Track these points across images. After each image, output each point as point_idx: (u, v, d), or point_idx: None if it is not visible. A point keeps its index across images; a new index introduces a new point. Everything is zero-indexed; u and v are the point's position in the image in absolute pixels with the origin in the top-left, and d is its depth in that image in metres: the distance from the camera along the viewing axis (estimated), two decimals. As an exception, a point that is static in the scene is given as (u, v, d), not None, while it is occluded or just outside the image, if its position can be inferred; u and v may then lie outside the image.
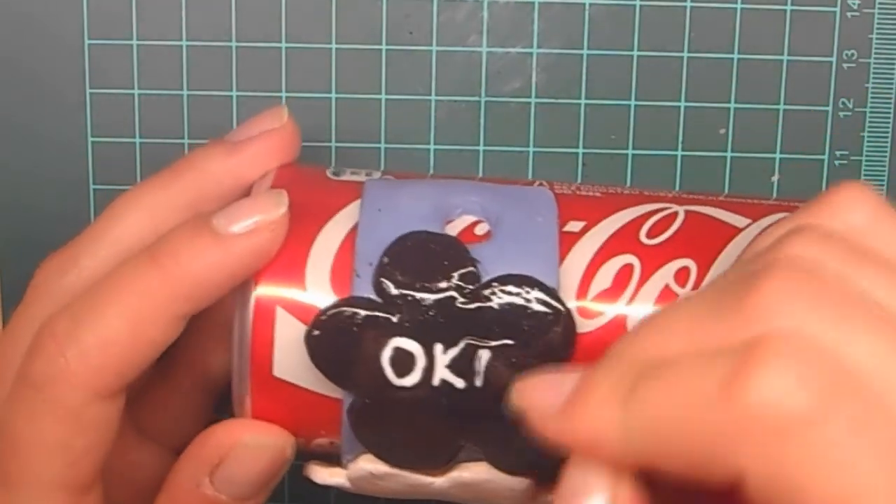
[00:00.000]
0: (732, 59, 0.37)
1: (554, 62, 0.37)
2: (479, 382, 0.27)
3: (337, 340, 0.27)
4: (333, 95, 0.38)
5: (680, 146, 0.38)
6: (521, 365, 0.27)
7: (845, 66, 0.37)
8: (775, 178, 0.38)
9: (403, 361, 0.27)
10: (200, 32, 0.37)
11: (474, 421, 0.27)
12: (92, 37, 0.37)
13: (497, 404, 0.26)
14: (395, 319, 0.27)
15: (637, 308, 0.28)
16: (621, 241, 0.28)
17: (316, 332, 0.27)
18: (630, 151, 0.38)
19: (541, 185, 0.31)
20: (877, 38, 0.37)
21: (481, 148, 0.38)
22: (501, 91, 0.37)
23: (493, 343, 0.27)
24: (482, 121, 0.38)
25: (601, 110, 0.37)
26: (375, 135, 0.38)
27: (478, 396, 0.27)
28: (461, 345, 0.27)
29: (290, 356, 0.27)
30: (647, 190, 0.31)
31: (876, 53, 0.37)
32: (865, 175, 0.38)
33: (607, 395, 0.21)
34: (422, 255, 0.27)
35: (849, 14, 0.37)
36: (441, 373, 0.27)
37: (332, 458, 0.29)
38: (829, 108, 0.37)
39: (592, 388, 0.22)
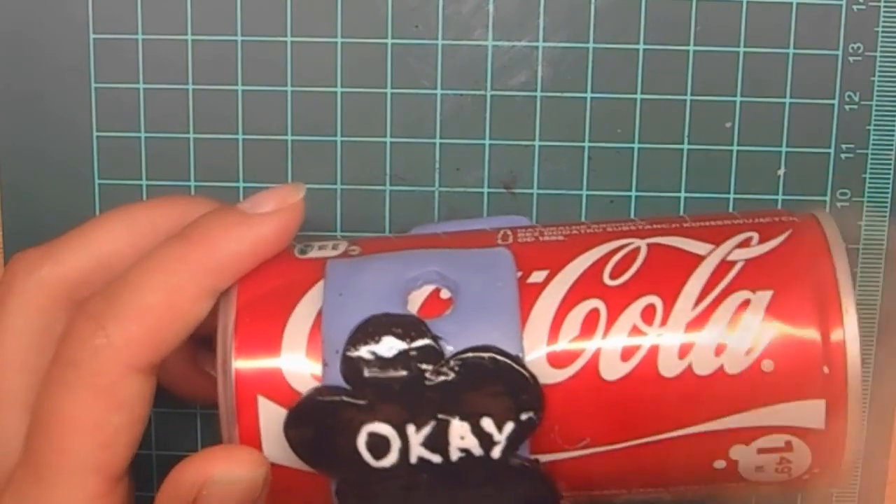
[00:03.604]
0: (738, 52, 0.37)
1: (560, 56, 0.37)
2: (454, 456, 0.27)
3: (314, 430, 0.28)
4: (339, 89, 0.37)
5: (686, 140, 0.37)
6: (493, 431, 0.27)
7: (851, 59, 0.37)
8: (781, 172, 0.38)
9: (378, 444, 0.28)
10: (206, 27, 0.37)
11: (458, 491, 0.28)
12: (97, 31, 0.37)
13: (475, 473, 0.27)
14: (365, 404, 0.27)
15: (607, 352, 0.28)
16: (585, 285, 0.29)
17: (293, 424, 0.28)
18: (636, 145, 0.38)
19: (504, 236, 0.31)
20: (883, 32, 0.37)
21: (486, 142, 0.38)
22: (507, 85, 0.37)
23: (463, 415, 0.27)
24: (487, 114, 0.38)
25: (607, 104, 0.37)
26: (381, 129, 0.38)
27: (455, 468, 0.27)
28: (432, 423, 0.27)
29: (275, 441, 0.28)
30: (610, 224, 0.31)
31: (882, 47, 0.37)
32: (871, 169, 0.38)
33: None
34: (384, 339, 0.28)
35: (855, 7, 0.37)
36: (417, 451, 0.27)
37: None
38: (836, 102, 0.37)
39: None
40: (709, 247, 0.29)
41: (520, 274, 0.29)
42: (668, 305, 0.28)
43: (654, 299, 0.28)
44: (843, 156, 0.38)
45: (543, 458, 0.28)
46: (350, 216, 0.38)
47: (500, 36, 0.37)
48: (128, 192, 0.38)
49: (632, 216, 0.38)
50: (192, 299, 0.29)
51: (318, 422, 0.28)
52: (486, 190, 0.38)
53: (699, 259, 0.29)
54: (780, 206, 0.38)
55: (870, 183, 0.38)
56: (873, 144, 0.37)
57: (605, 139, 0.38)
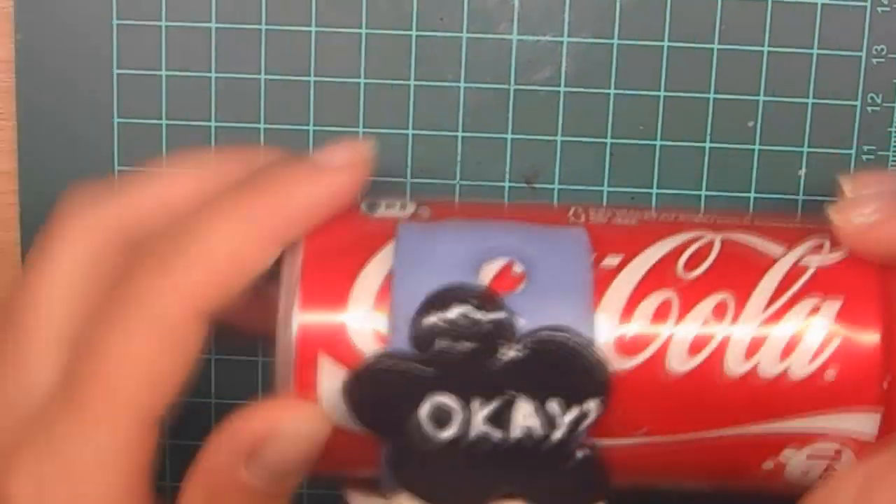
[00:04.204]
0: (762, 51, 0.37)
1: (584, 51, 0.37)
2: (515, 434, 0.27)
3: (375, 394, 0.27)
4: (362, 81, 0.37)
5: (708, 138, 0.38)
6: (557, 413, 0.27)
7: (874, 60, 0.37)
8: (802, 172, 0.38)
9: (441, 415, 0.27)
10: (229, 15, 0.37)
11: (514, 469, 0.27)
12: (120, 17, 0.37)
13: (533, 453, 0.27)
14: (432, 374, 0.27)
15: (676, 344, 0.28)
16: (659, 275, 0.28)
17: (355, 385, 0.27)
18: (658, 142, 0.38)
19: (576, 214, 0.31)
20: (907, 34, 0.37)
21: (509, 136, 0.38)
22: (531, 79, 0.37)
23: (531, 394, 0.27)
24: (510, 108, 0.37)
25: (630, 100, 0.37)
26: (403, 121, 0.38)
27: (516, 447, 0.27)
28: (499, 399, 0.27)
29: (331, 400, 0.28)
30: (681, 214, 0.31)
31: (905, 49, 0.37)
32: (892, 169, 0.38)
33: None
34: (458, 309, 0.27)
35: (879, 9, 0.37)
36: (479, 425, 0.27)
37: (372, 486, 0.29)
38: (858, 103, 0.37)
39: None
40: (781, 248, 0.29)
41: (594, 255, 0.28)
42: (741, 304, 0.28)
43: (727, 296, 0.28)
44: (864, 157, 0.38)
45: (600, 442, 0.28)
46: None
47: (525, 30, 0.37)
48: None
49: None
50: (259, 248, 0.28)
51: (381, 386, 0.27)
52: (507, 184, 0.38)
53: (773, 260, 0.29)
54: (800, 207, 0.38)
55: (890, 185, 0.38)
56: (894, 147, 0.37)
57: (627, 136, 0.38)
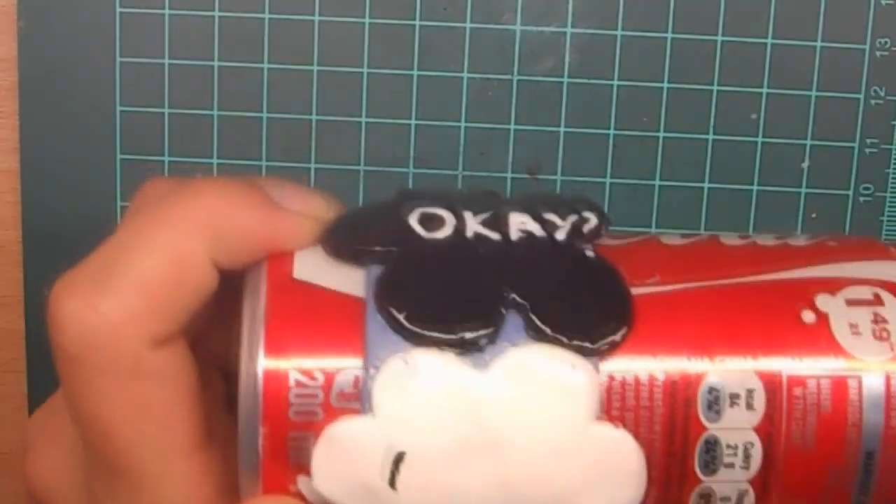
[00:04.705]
0: (766, 44, 0.37)
1: (587, 42, 0.37)
2: (514, 236, 0.26)
3: (359, 215, 0.26)
4: (365, 70, 0.37)
5: (711, 130, 0.37)
6: (555, 219, 0.26)
7: (878, 54, 0.37)
8: (805, 165, 0.38)
9: (432, 221, 0.26)
10: (233, 4, 0.37)
11: (520, 271, 0.25)
12: (124, 6, 0.37)
13: (538, 253, 0.25)
14: (415, 196, 0.26)
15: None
16: None
17: (337, 224, 0.26)
18: (661, 134, 0.37)
19: None
20: (911, 27, 0.37)
21: (512, 126, 0.38)
22: (534, 70, 0.37)
23: (522, 209, 0.26)
24: (514, 99, 0.37)
25: (633, 92, 0.37)
26: (406, 112, 0.37)
27: (515, 247, 0.25)
28: (490, 211, 0.26)
29: (310, 254, 0.26)
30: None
31: (909, 42, 0.37)
32: (895, 164, 0.38)
33: None
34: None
35: (883, 2, 0.37)
36: (474, 228, 0.25)
37: None
38: (861, 96, 0.37)
39: None
40: None
41: None
42: None
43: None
44: (867, 150, 0.38)
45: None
46: (373, 198, 0.38)
47: (529, 21, 0.37)
48: (149, 167, 0.38)
49: (654, 205, 0.37)
50: (198, 270, 0.25)
51: (365, 209, 0.26)
52: (509, 175, 0.38)
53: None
54: (802, 200, 0.38)
55: (893, 178, 0.38)
56: (898, 140, 0.37)
57: (630, 127, 0.37)
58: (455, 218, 0.26)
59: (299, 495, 0.25)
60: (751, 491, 0.25)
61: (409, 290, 0.25)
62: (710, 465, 0.25)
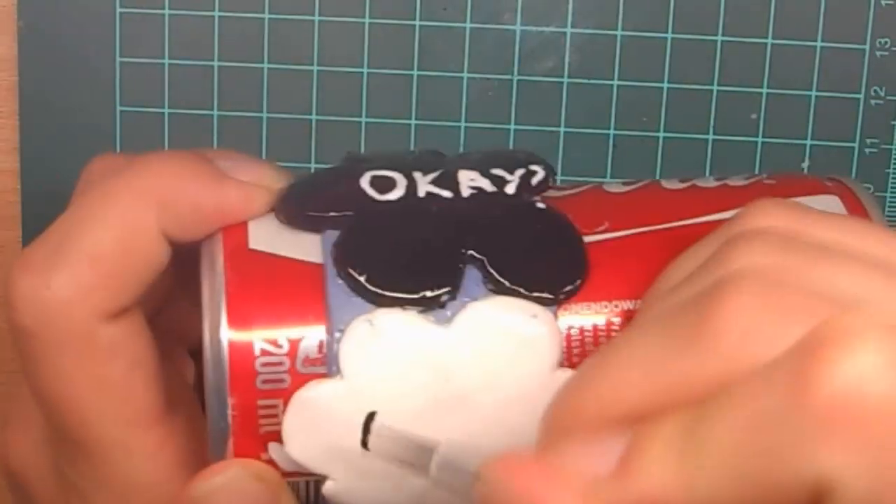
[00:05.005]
0: (766, 44, 0.37)
1: (587, 42, 0.37)
2: (466, 193, 0.26)
3: (311, 182, 0.26)
4: (365, 70, 0.37)
5: (711, 130, 0.37)
6: (504, 174, 0.26)
7: (878, 54, 0.37)
8: (805, 165, 0.38)
9: (384, 183, 0.26)
10: (233, 4, 0.37)
11: (469, 225, 0.26)
12: (124, 6, 0.37)
13: (490, 208, 0.26)
14: (365, 159, 0.26)
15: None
16: None
17: (290, 190, 0.26)
18: (661, 134, 0.37)
19: None
20: (911, 27, 0.37)
21: (512, 127, 0.38)
22: (534, 70, 0.37)
23: (470, 168, 0.26)
24: (514, 99, 0.37)
25: (633, 92, 0.37)
26: (406, 111, 0.37)
27: (468, 203, 0.26)
28: (440, 170, 0.26)
29: (264, 224, 0.26)
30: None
31: (909, 42, 0.37)
32: (895, 164, 0.38)
33: (663, 449, 0.19)
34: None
35: (883, 2, 0.37)
36: (425, 188, 0.26)
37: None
38: (861, 96, 0.37)
39: (644, 446, 0.19)
40: None
41: None
42: None
43: None
44: (867, 150, 0.38)
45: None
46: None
47: (529, 21, 0.37)
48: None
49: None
50: (149, 243, 0.26)
51: (315, 178, 0.27)
52: (509, 175, 0.38)
53: None
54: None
55: (893, 178, 0.38)
56: (898, 140, 0.38)
57: (630, 127, 0.37)
58: (406, 179, 0.26)
59: (271, 462, 0.25)
60: None
61: (367, 252, 0.25)
62: None
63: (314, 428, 0.24)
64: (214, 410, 0.24)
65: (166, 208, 0.26)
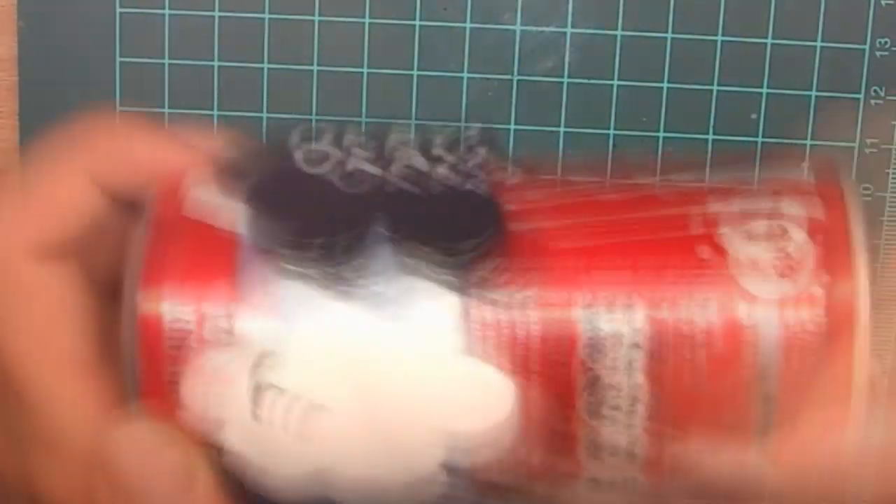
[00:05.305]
0: (766, 43, 0.37)
1: (587, 42, 0.37)
2: (395, 171, 0.26)
3: (253, 151, 0.27)
4: (365, 70, 0.37)
5: (711, 130, 0.37)
6: (440, 153, 0.26)
7: (878, 54, 0.37)
8: (805, 165, 0.38)
9: (317, 157, 0.26)
10: (233, 4, 0.37)
11: (385, 203, 0.25)
12: (124, 6, 0.37)
13: (410, 191, 0.25)
14: (297, 132, 0.26)
15: None
16: None
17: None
18: (661, 134, 0.38)
19: None
20: (911, 27, 0.37)
21: (512, 127, 0.38)
22: (534, 70, 0.37)
23: (419, 146, 0.26)
24: (514, 99, 0.37)
25: (633, 92, 0.37)
26: (406, 111, 0.38)
27: (391, 182, 0.26)
28: (383, 147, 0.26)
29: (205, 192, 0.26)
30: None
31: (909, 42, 0.37)
32: (895, 164, 0.38)
33: None
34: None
35: (883, 2, 0.37)
36: (355, 164, 0.26)
37: None
38: (861, 96, 0.37)
39: None
40: None
41: None
42: None
43: None
44: (867, 151, 0.38)
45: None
46: None
47: (529, 21, 0.37)
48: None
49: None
50: (82, 193, 0.26)
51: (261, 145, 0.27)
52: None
53: None
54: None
55: (893, 178, 0.38)
56: (898, 140, 0.38)
57: (630, 127, 0.37)
58: (341, 153, 0.26)
59: (182, 428, 0.25)
60: (640, 431, 0.25)
61: (277, 224, 0.25)
62: (594, 405, 0.25)
63: (211, 396, 0.25)
64: (127, 374, 0.25)
65: (99, 158, 0.27)
